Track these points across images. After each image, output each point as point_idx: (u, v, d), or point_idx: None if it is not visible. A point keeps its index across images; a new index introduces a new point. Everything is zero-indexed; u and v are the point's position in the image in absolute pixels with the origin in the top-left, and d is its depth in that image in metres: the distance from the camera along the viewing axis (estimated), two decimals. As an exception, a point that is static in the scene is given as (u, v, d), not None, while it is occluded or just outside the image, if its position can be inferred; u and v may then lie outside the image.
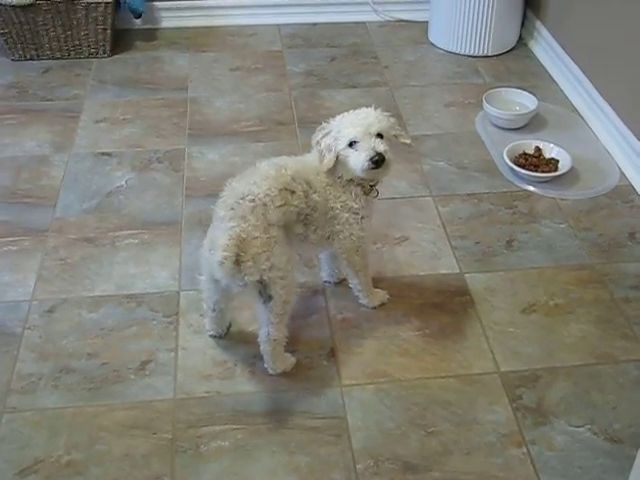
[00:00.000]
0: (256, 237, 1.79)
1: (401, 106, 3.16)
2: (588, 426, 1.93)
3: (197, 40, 3.63)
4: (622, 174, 2.78)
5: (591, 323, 2.21)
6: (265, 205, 1.84)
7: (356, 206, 2.02)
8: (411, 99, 3.21)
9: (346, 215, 2.01)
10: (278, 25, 3.76)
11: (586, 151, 2.86)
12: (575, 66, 3.17)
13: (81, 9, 3.31)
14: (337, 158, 1.96)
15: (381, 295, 2.24)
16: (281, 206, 1.87)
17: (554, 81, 3.33)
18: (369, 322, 2.21)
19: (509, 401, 1.99)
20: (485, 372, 2.07)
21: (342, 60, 3.49)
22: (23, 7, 3.26)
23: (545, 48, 3.44)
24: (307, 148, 2.77)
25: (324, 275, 2.31)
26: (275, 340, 1.96)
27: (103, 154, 2.87)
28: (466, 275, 2.37)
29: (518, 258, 2.43)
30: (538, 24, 3.51)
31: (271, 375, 2.04)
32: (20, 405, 1.96)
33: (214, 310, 2.07)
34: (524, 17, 3.59)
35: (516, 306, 2.26)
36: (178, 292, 2.29)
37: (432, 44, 3.61)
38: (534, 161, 2.77)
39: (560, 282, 2.34)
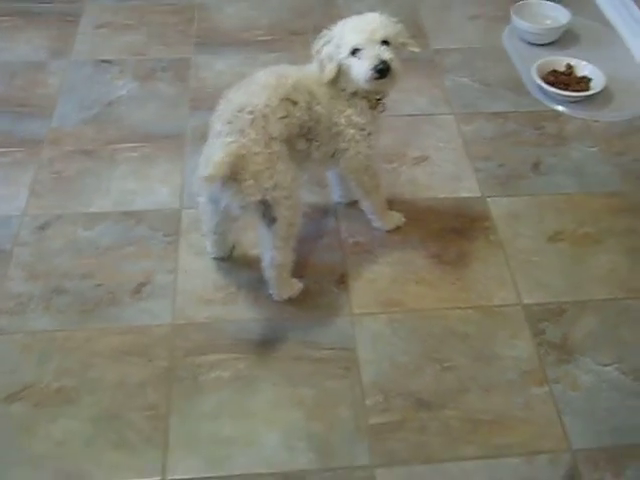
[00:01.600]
0: (257, 153, 1.63)
1: (424, 17, 2.94)
2: (616, 365, 1.79)
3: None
4: (660, 95, 2.57)
5: (622, 254, 2.05)
6: (265, 117, 1.67)
7: (362, 121, 1.84)
8: (434, 10, 2.99)
9: (352, 131, 1.85)
10: None
11: (621, 70, 2.65)
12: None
13: None
14: (339, 68, 1.79)
15: (397, 218, 2.09)
16: (283, 118, 1.70)
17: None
18: (383, 247, 2.06)
19: (532, 335, 1.85)
20: (507, 304, 1.93)
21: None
22: None
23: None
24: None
25: (335, 196, 2.16)
26: (280, 265, 1.83)
27: (103, 61, 2.68)
28: (488, 199, 2.20)
29: (545, 182, 2.26)
30: None
31: (276, 301, 1.90)
32: (8, 327, 1.84)
33: (215, 233, 1.93)
34: None
35: (542, 234, 2.10)
36: (179, 210, 2.15)
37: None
38: (564, 79, 2.57)
39: (590, 209, 2.18)
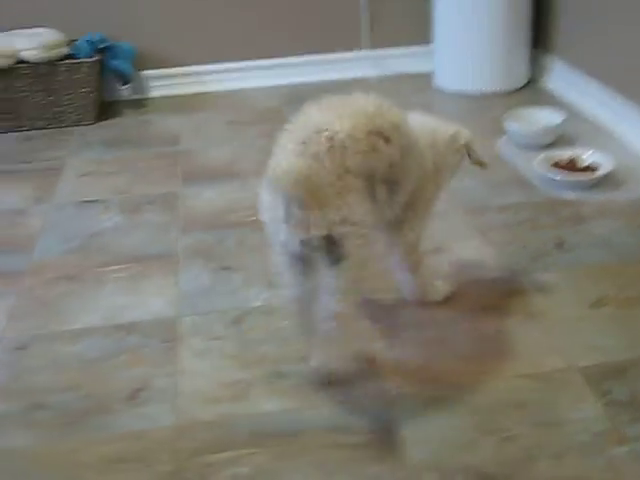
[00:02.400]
0: (328, 182, 1.40)
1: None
2: (701, 415, 1.51)
3: (188, 104, 3.40)
4: (673, 176, 2.44)
5: (676, 312, 1.82)
6: (345, 147, 1.43)
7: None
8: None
9: (426, 203, 1.73)
10: (275, 86, 3.53)
11: (625, 160, 2.55)
12: (598, 84, 2.92)
13: (64, 71, 3.06)
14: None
15: (444, 287, 1.87)
16: (365, 152, 1.46)
17: (574, 105, 3.06)
18: (411, 328, 1.83)
19: (596, 397, 1.58)
20: (560, 368, 1.67)
21: (345, 108, 3.22)
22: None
23: (560, 79, 3.21)
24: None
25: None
26: (339, 316, 1.49)
27: (87, 202, 2.54)
28: (520, 277, 1.99)
29: (573, 257, 2.07)
30: (549, 58, 3.30)
31: (295, 391, 1.65)
32: (-19, 448, 1.54)
33: (299, 298, 1.58)
34: (532, 57, 3.37)
35: (582, 302, 1.88)
36: (176, 317, 1.92)
37: (439, 88, 3.37)
38: (569, 169, 2.44)
39: (627, 276, 1.97)
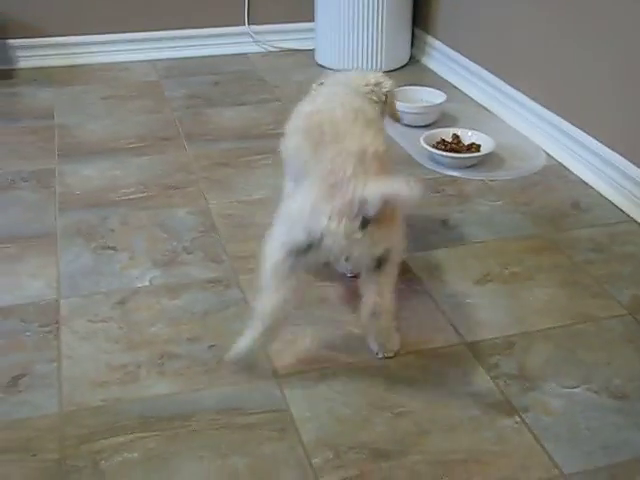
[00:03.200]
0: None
1: (298, 117, 2.83)
2: (585, 386, 1.58)
3: (61, 76, 3.25)
4: (549, 156, 2.53)
5: (556, 286, 1.89)
6: (383, 157, 1.52)
7: None
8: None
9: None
10: (152, 60, 3.43)
11: (505, 139, 2.63)
12: (476, 66, 3.00)
13: None
14: None
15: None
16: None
17: (455, 87, 3.12)
18: (298, 308, 1.80)
19: (485, 371, 1.62)
20: (449, 344, 1.69)
21: (226, 84, 3.19)
22: None
23: (440, 59, 3.26)
24: (198, 160, 2.44)
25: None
26: (387, 312, 1.58)
27: (-47, 178, 2.39)
28: (405, 255, 2.00)
29: (458, 234, 2.11)
30: (429, 38, 3.35)
31: (185, 374, 1.60)
32: None
33: (272, 315, 1.52)
34: (413, 36, 3.41)
35: (468, 278, 1.92)
36: (57, 300, 1.83)
37: (321, 66, 3.36)
38: (454, 147, 2.50)
39: (510, 252, 2.03)
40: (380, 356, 1.65)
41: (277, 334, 1.57)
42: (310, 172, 1.52)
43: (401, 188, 1.36)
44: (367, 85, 1.84)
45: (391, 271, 1.55)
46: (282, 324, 1.56)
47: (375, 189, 1.38)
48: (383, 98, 1.86)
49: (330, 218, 1.40)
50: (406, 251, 1.88)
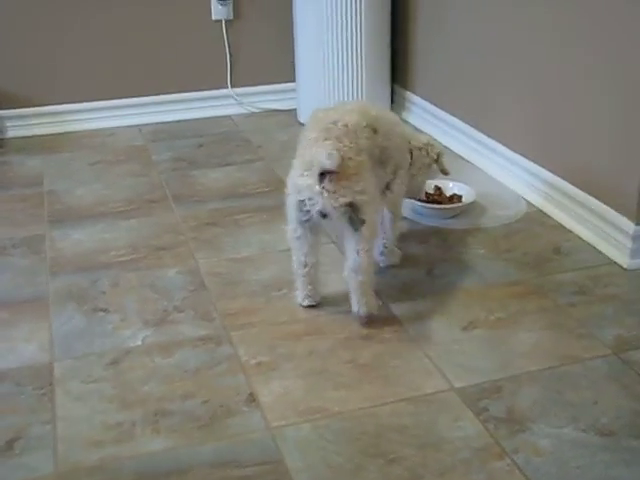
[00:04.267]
0: (350, 158, 1.80)
1: (282, 175, 2.89)
2: (572, 425, 1.61)
3: (49, 144, 3.31)
4: (529, 203, 2.59)
5: (541, 330, 1.93)
6: (356, 132, 1.86)
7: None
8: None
9: (402, 176, 2.14)
10: (138, 125, 3.50)
11: (486, 189, 2.69)
12: (455, 119, 3.08)
13: None
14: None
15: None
16: (367, 138, 1.90)
17: (435, 140, 3.18)
18: (289, 362, 1.85)
19: (475, 415, 1.65)
20: (438, 391, 1.73)
21: (211, 146, 3.26)
22: None
23: (419, 113, 3.35)
24: (186, 221, 2.49)
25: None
26: (365, 270, 1.88)
27: (-56, 248, 2.42)
28: (391, 305, 2.05)
29: (443, 283, 2.15)
30: (408, 94, 3.44)
31: (179, 431, 1.63)
32: None
33: (306, 264, 1.97)
34: (392, 92, 3.50)
35: (454, 325, 1.96)
36: (51, 362, 1.85)
37: (304, 124, 3.42)
38: (436, 198, 2.56)
39: (495, 298, 2.07)
40: (357, 312, 1.93)
41: (314, 277, 2.01)
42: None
43: (321, 155, 1.74)
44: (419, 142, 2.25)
45: (367, 234, 1.85)
46: (314, 268, 1.99)
47: (317, 152, 1.76)
48: (435, 157, 2.27)
49: (301, 175, 1.82)
50: (390, 302, 1.94)
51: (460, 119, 3.04)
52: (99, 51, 3.39)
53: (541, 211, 2.54)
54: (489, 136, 2.85)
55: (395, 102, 3.52)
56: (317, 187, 1.78)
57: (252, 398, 1.72)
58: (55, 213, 2.64)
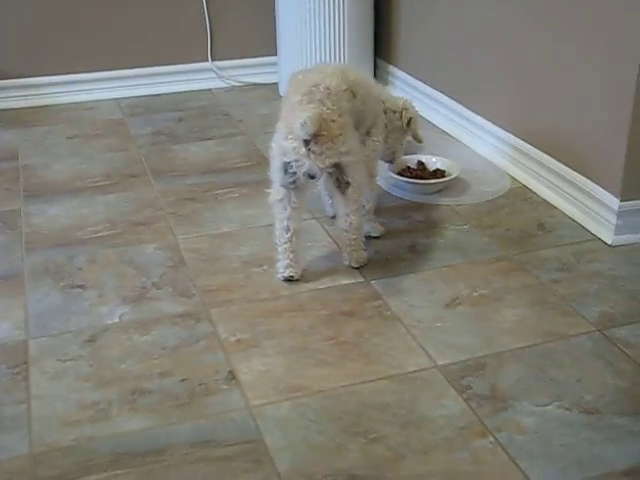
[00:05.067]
0: (334, 120, 1.82)
1: (263, 150, 2.86)
2: (556, 403, 1.59)
3: (24, 118, 3.25)
4: (513, 179, 2.57)
5: (525, 307, 1.90)
6: (337, 94, 1.88)
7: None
8: (273, 142, 2.92)
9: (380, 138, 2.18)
10: (116, 99, 3.44)
11: (470, 164, 2.66)
12: (438, 93, 3.04)
13: None
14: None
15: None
16: (347, 100, 1.92)
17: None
18: (270, 339, 1.81)
19: (457, 393, 1.62)
20: (421, 368, 1.70)
21: (191, 120, 3.20)
22: None
23: (402, 87, 3.30)
24: (165, 196, 2.44)
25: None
26: (357, 228, 1.97)
27: None
28: (372, 282, 2.03)
29: (426, 260, 2.12)
30: (391, 68, 3.39)
31: (156, 410, 1.59)
32: None
33: (288, 229, 1.95)
34: (375, 66, 3.45)
35: (437, 302, 1.93)
36: (26, 340, 1.81)
37: (285, 98, 3.38)
38: (419, 174, 2.53)
39: (478, 275, 2.04)
40: (349, 264, 2.03)
41: (296, 245, 1.98)
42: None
43: (295, 126, 1.77)
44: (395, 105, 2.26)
45: (354, 195, 1.92)
46: (296, 236, 1.97)
47: (311, 111, 1.78)
48: (406, 122, 2.27)
49: (286, 138, 1.83)
50: (372, 279, 1.91)
51: (444, 94, 3.00)
52: (77, 23, 3.31)
53: (525, 187, 2.52)
54: (473, 111, 2.81)
55: (378, 76, 3.47)
56: (303, 149, 1.80)
57: (232, 376, 1.68)
58: (31, 188, 2.59)
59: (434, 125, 3.04)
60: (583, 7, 2.17)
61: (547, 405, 1.58)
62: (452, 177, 2.47)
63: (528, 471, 1.42)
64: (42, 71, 3.34)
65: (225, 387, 1.65)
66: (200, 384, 1.66)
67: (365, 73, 2.33)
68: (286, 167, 1.86)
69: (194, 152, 2.86)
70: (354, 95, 1.97)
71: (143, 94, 3.47)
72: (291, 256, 1.98)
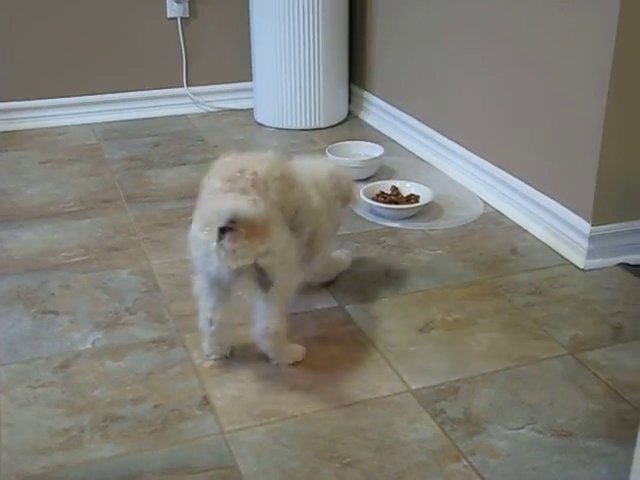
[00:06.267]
0: (255, 215, 1.56)
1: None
2: (529, 426, 1.60)
3: (-2, 143, 3.22)
4: (486, 203, 2.59)
5: (498, 331, 1.92)
6: (266, 183, 1.62)
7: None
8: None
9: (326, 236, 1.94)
10: (91, 124, 3.44)
11: (443, 189, 2.68)
12: (412, 119, 3.07)
13: None
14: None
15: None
16: (281, 191, 1.66)
17: (393, 140, 3.19)
18: (243, 366, 1.81)
19: (431, 417, 1.62)
20: (395, 393, 1.71)
21: (166, 145, 3.20)
22: None
23: (377, 113, 3.34)
24: (139, 221, 2.44)
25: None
26: (275, 334, 1.70)
27: None
28: (346, 307, 2.03)
29: (399, 285, 2.13)
30: (366, 94, 3.42)
31: (129, 436, 1.58)
32: None
33: (212, 323, 1.74)
34: (350, 93, 3.49)
35: (411, 327, 1.94)
36: (-4, 367, 1.79)
37: (261, 124, 3.41)
38: (393, 199, 2.54)
39: (452, 299, 2.05)
40: (277, 363, 1.77)
41: (222, 335, 1.77)
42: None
43: (244, 205, 1.54)
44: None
45: (277, 297, 1.66)
46: (222, 327, 1.75)
47: (226, 204, 1.53)
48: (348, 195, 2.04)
49: (201, 229, 1.59)
50: (345, 304, 1.91)
51: (418, 119, 3.03)
52: (51, 47, 3.31)
53: (498, 211, 2.54)
54: (446, 136, 2.84)
55: (352, 102, 3.51)
56: (214, 244, 1.55)
57: (205, 402, 1.67)
58: (3, 213, 2.58)
59: (408, 151, 3.07)
60: (553, 33, 2.21)
61: (520, 428, 1.59)
62: (426, 202, 2.49)
63: (501, 495, 1.42)
64: (14, 96, 3.33)
65: (199, 413, 1.64)
66: (173, 410, 1.65)
67: (321, 161, 2.07)
68: (199, 262, 1.65)
69: (169, 177, 2.86)
70: (291, 187, 1.71)
71: (118, 119, 3.47)
72: (216, 347, 1.79)
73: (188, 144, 3.20)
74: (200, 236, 1.59)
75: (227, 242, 1.54)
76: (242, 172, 1.62)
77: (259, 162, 1.65)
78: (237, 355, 1.83)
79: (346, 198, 2.04)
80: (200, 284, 1.72)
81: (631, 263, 2.19)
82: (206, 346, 1.79)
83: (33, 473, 1.49)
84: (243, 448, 1.54)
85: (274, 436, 1.57)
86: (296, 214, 1.73)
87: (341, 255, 2.15)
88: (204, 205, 1.62)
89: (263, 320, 1.68)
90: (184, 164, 2.98)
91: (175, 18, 3.44)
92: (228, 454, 1.53)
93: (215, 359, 1.79)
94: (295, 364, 1.77)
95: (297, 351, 1.78)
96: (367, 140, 3.02)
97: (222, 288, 1.70)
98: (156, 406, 1.66)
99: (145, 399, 1.68)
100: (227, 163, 1.68)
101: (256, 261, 1.57)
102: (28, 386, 1.73)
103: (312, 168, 1.94)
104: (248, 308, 1.76)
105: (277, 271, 1.61)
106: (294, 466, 1.50)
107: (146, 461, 1.51)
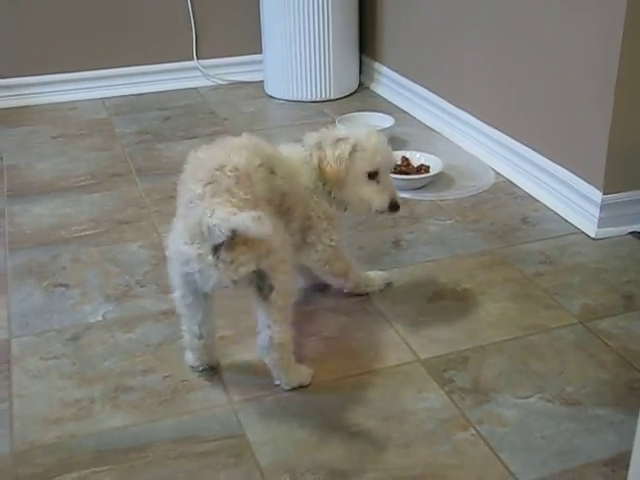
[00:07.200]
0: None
1: (249, 148, 2.86)
2: (538, 395, 1.59)
3: (9, 118, 3.24)
4: (497, 173, 2.57)
5: (508, 300, 1.91)
6: (249, 175, 1.47)
7: (333, 215, 1.78)
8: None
9: (324, 224, 1.77)
10: (101, 98, 3.43)
11: (454, 159, 2.66)
12: (423, 89, 3.05)
13: None
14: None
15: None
16: (264, 180, 1.52)
17: (403, 111, 3.16)
18: (252, 336, 1.79)
19: (440, 386, 1.63)
20: (404, 362, 1.71)
21: (177, 118, 3.20)
22: None
23: (387, 84, 3.31)
24: (149, 194, 2.44)
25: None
26: (281, 345, 1.54)
27: None
28: (355, 277, 2.02)
29: (410, 255, 2.13)
30: (377, 65, 3.40)
31: (140, 407, 1.59)
32: None
33: (201, 336, 1.62)
34: (361, 63, 3.46)
35: (420, 297, 1.94)
36: (8, 340, 1.81)
37: (271, 96, 3.39)
38: (403, 169, 2.53)
39: (462, 269, 2.05)
40: (283, 387, 1.62)
41: (211, 346, 1.66)
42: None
43: (249, 223, 1.34)
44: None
45: (279, 302, 1.50)
46: (211, 338, 1.65)
47: (222, 218, 1.35)
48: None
49: (186, 242, 1.42)
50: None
51: (429, 90, 3.00)
52: (61, 22, 3.31)
53: (509, 181, 2.53)
54: (458, 107, 2.82)
55: (363, 73, 3.48)
56: (210, 258, 1.40)
57: (214, 372, 1.68)
58: (15, 188, 2.58)
59: (419, 121, 3.05)
60: (567, 4, 2.18)
61: (529, 397, 1.59)
62: (436, 172, 2.47)
63: (509, 463, 1.42)
64: (26, 71, 3.33)
65: (208, 383, 1.65)
66: (183, 380, 1.66)
67: (294, 145, 1.81)
68: (188, 278, 1.49)
69: (179, 150, 2.86)
70: (273, 172, 1.57)
71: (128, 93, 3.46)
72: (204, 358, 1.68)
73: (198, 117, 3.20)
74: (189, 251, 1.42)
75: (224, 253, 1.39)
76: (221, 169, 1.45)
77: (236, 153, 1.49)
78: (246, 326, 1.83)
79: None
80: (184, 300, 1.57)
81: (643, 232, 2.17)
82: (191, 358, 1.67)
83: (45, 443, 1.50)
84: (251, 418, 1.55)
85: (283, 406, 1.58)
86: (283, 198, 1.61)
87: (373, 275, 1.97)
88: (189, 215, 1.43)
89: (266, 330, 1.52)
90: (195, 137, 2.98)
91: (184, -10, 3.42)
92: (237, 424, 1.53)
93: (202, 370, 1.67)
94: (300, 388, 1.62)
95: (304, 374, 1.62)
96: (378, 111, 3.00)
97: (207, 298, 1.57)
98: (166, 377, 1.66)
99: (155, 370, 1.69)
100: (202, 160, 1.50)
101: (258, 266, 1.43)
102: (40, 358, 1.74)
103: (293, 150, 1.78)
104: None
105: (278, 272, 1.47)
106: (302, 435, 1.50)
107: (156, 431, 1.52)
